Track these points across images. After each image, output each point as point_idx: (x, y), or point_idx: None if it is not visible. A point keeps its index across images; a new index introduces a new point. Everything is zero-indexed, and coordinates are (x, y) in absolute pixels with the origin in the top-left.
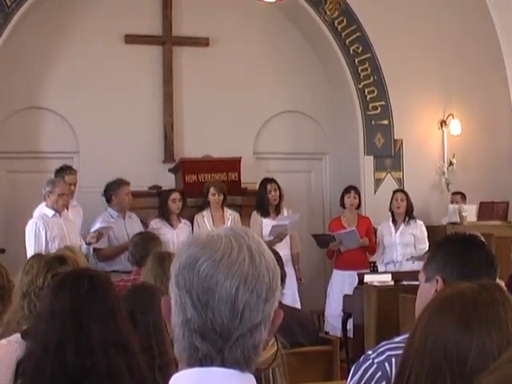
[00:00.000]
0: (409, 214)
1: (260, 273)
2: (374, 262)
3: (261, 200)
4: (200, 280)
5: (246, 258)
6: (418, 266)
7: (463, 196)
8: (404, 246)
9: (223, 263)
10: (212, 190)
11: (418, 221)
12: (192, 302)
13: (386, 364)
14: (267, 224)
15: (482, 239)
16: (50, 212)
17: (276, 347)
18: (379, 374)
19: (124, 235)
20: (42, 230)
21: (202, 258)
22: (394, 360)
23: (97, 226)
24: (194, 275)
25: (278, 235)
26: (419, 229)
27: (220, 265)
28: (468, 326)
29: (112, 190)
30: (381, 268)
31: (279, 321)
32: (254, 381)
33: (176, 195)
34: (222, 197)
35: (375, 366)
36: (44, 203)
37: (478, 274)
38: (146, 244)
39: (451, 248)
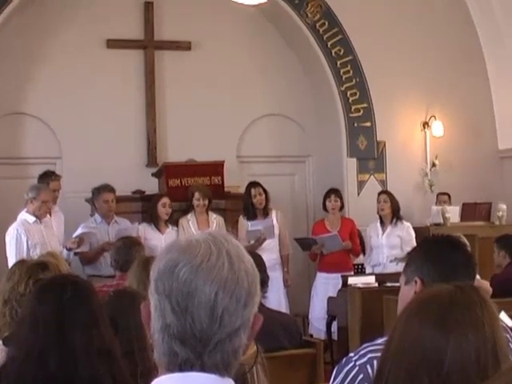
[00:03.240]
0: (396, 215)
1: (239, 278)
2: (360, 264)
3: (246, 204)
4: (179, 285)
5: (225, 263)
6: (401, 267)
7: (449, 197)
8: (390, 248)
9: (202, 268)
10: (197, 194)
11: (405, 222)
12: (171, 307)
13: (368, 366)
14: None
15: (463, 240)
16: (31, 218)
17: (255, 349)
18: (361, 376)
19: (107, 240)
20: (23, 237)
21: (181, 263)
22: (375, 362)
23: (78, 231)
24: (174, 280)
25: (256, 240)
26: (406, 231)
27: (199, 270)
28: (444, 328)
29: (93, 196)
30: (368, 270)
31: (259, 325)
32: None
33: (166, 200)
34: (206, 201)
35: (357, 368)
36: (25, 209)
37: (456, 274)
38: (129, 249)
39: (428, 249)
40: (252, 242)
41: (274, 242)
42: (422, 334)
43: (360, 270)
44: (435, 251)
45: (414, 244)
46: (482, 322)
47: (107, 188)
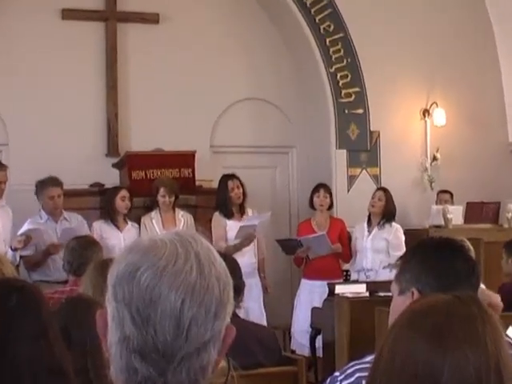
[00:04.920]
0: (386, 217)
1: (209, 284)
2: (347, 271)
3: (222, 199)
4: (140, 292)
5: (193, 267)
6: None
7: (452, 195)
8: (375, 252)
9: (167, 272)
10: (162, 190)
11: (394, 224)
12: (131, 317)
13: None
14: (233, 227)
15: (467, 244)
16: None
17: (227, 365)
18: None
19: (55, 241)
20: None
21: (143, 266)
22: (364, 382)
23: (24, 227)
24: (134, 286)
25: (248, 237)
26: (394, 234)
27: (163, 274)
28: (441, 343)
29: (37, 191)
30: (354, 276)
31: (231, 338)
32: None
33: (125, 193)
34: (172, 198)
35: None
36: None
37: (458, 283)
38: (84, 250)
39: (426, 255)
40: (236, 241)
41: (252, 244)
42: (414, 351)
43: (347, 278)
44: (434, 257)
45: (403, 249)
46: (483, 338)
47: (52, 182)
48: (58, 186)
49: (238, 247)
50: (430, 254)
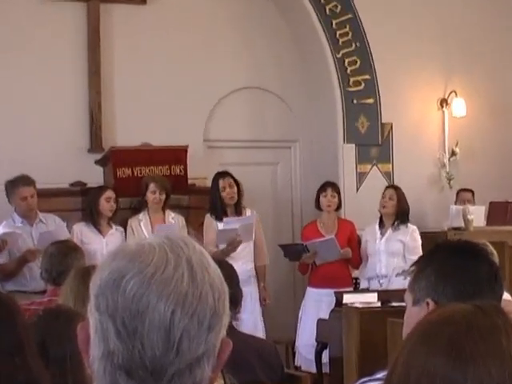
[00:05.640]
0: (400, 217)
1: (202, 293)
2: (357, 278)
3: (213, 200)
4: (126, 302)
5: (184, 274)
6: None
7: (473, 194)
8: (390, 256)
9: (156, 280)
10: (152, 186)
11: (410, 225)
12: (116, 330)
13: None
14: None
15: (489, 248)
16: None
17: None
18: None
19: (30, 246)
20: None
21: (129, 273)
22: None
23: None
24: (119, 295)
25: (230, 243)
26: (410, 235)
27: (152, 282)
28: (460, 359)
29: (7, 191)
30: (363, 284)
31: (227, 353)
32: None
33: (110, 193)
34: (163, 196)
35: None
36: None
37: (479, 292)
38: (64, 257)
39: (443, 261)
40: (222, 246)
41: (248, 248)
42: (431, 367)
43: (356, 286)
44: (452, 264)
45: (420, 252)
46: (508, 353)
47: (23, 181)
48: (30, 185)
49: (225, 252)
50: (447, 259)
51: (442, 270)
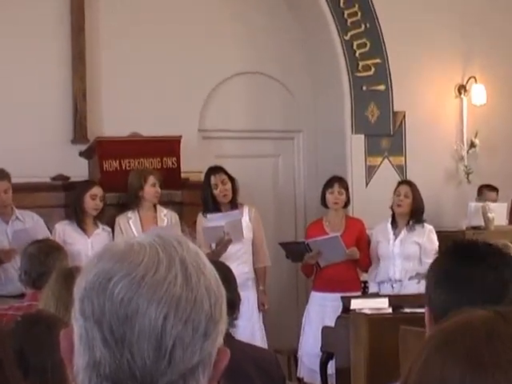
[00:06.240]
0: (415, 216)
1: (197, 297)
2: (366, 282)
3: (205, 198)
4: (114, 306)
5: (178, 276)
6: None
7: (497, 192)
8: (405, 260)
9: (146, 283)
10: (152, 178)
11: (426, 225)
12: (102, 337)
13: None
14: None
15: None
16: None
17: None
18: None
19: (5, 246)
20: None
21: (117, 275)
22: None
23: None
24: (106, 299)
25: (218, 242)
26: (427, 236)
27: (142, 285)
28: (480, 369)
29: None
30: (372, 288)
31: (224, 363)
32: None
33: (97, 190)
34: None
35: None
36: None
37: (488, 302)
38: (45, 257)
39: (446, 263)
40: (213, 245)
41: (244, 248)
42: (448, 378)
43: (367, 290)
44: (455, 267)
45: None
46: None
47: None
48: (4, 178)
49: (215, 253)
50: (451, 261)
51: (442, 275)
